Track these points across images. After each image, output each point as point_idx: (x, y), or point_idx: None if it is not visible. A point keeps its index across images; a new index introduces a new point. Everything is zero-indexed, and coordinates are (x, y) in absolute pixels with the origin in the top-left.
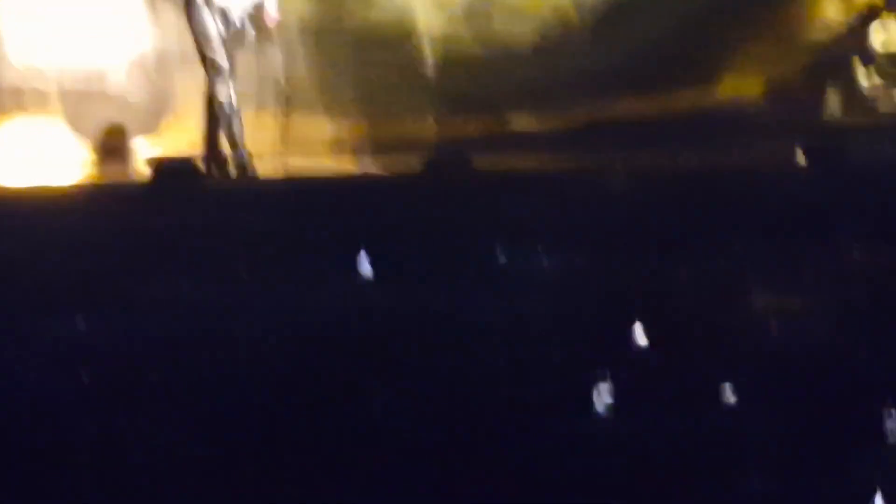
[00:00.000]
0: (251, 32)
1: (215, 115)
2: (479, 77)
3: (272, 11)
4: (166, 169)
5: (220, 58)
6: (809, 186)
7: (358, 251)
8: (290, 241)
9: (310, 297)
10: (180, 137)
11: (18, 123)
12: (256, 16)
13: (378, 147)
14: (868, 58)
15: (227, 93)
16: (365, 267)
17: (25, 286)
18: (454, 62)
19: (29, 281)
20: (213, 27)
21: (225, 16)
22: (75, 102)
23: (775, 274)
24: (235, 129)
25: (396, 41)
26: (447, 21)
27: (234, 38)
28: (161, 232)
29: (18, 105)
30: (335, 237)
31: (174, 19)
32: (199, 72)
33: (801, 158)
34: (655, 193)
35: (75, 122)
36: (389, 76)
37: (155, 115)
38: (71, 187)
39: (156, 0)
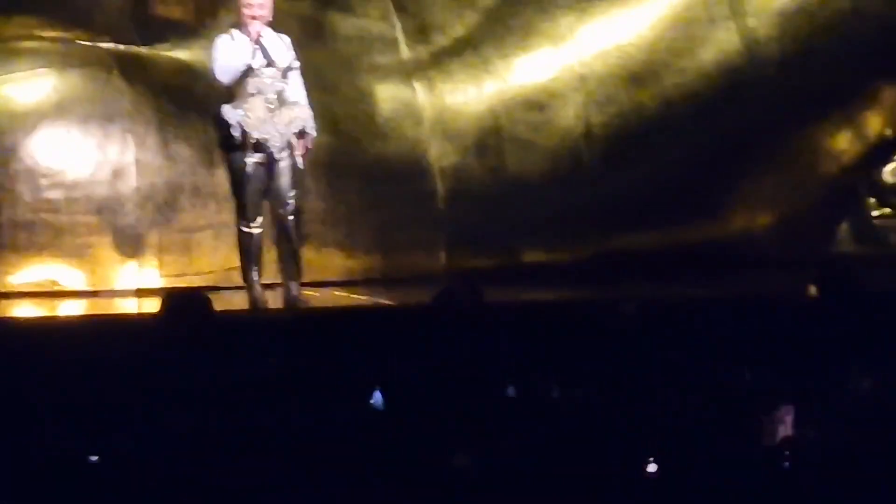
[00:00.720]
0: (286, 161)
1: (245, 251)
2: (489, 210)
3: (310, 142)
4: (176, 301)
5: (249, 199)
6: (820, 317)
7: (369, 383)
8: (302, 374)
9: (322, 430)
10: (189, 269)
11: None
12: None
13: (390, 280)
14: (878, 190)
15: (249, 229)
16: (377, 399)
17: (34, 416)
18: (465, 195)
19: (39, 410)
20: (249, 169)
21: (262, 147)
22: (87, 234)
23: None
24: (258, 264)
25: (408, 174)
26: (458, 154)
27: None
28: (171, 364)
29: (31, 240)
30: (347, 369)
31: (188, 153)
32: (212, 206)
33: (812, 290)
34: (666, 325)
35: (87, 254)
36: (401, 209)
37: (166, 248)
38: (81, 318)
39: (169, 134)
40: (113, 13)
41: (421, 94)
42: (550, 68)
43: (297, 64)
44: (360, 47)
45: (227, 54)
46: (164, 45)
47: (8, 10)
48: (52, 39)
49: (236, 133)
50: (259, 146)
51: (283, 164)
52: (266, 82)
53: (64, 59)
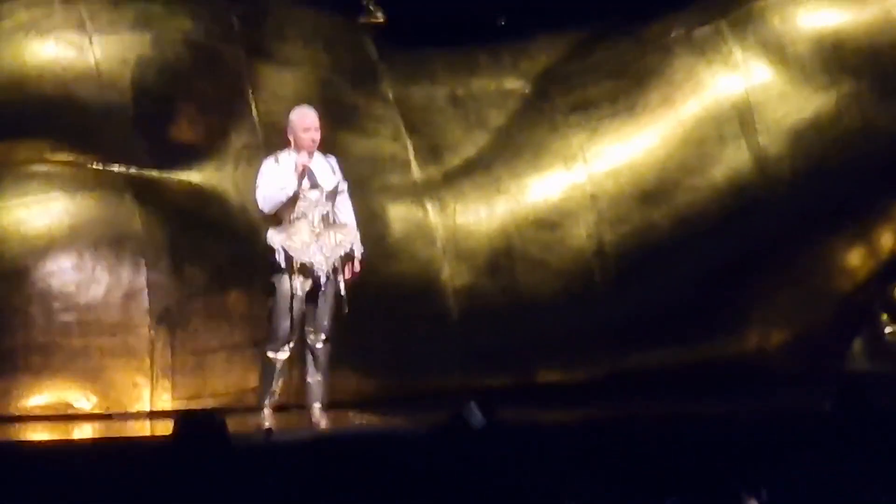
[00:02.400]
0: (331, 289)
1: (265, 375)
2: (503, 329)
3: (357, 264)
4: (189, 422)
5: (284, 328)
6: (835, 433)
7: None
8: (315, 497)
9: None
10: (203, 391)
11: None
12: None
13: (404, 400)
14: (892, 307)
15: (277, 354)
16: None
17: None
18: (478, 314)
19: None
20: (297, 293)
21: (307, 272)
22: (100, 357)
23: None
24: (278, 388)
25: (421, 294)
26: (471, 274)
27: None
28: (184, 488)
29: (44, 363)
30: (363, 493)
31: (200, 275)
32: (225, 327)
33: (827, 406)
34: (681, 442)
35: (100, 376)
36: (415, 329)
37: (179, 370)
38: (95, 441)
39: (181, 257)
40: (124, 136)
41: (433, 214)
42: (562, 187)
43: (344, 185)
44: (372, 167)
45: (271, 182)
46: (176, 168)
47: (19, 133)
48: (64, 163)
49: (280, 257)
50: (304, 270)
51: (327, 290)
52: (311, 205)
53: (76, 182)
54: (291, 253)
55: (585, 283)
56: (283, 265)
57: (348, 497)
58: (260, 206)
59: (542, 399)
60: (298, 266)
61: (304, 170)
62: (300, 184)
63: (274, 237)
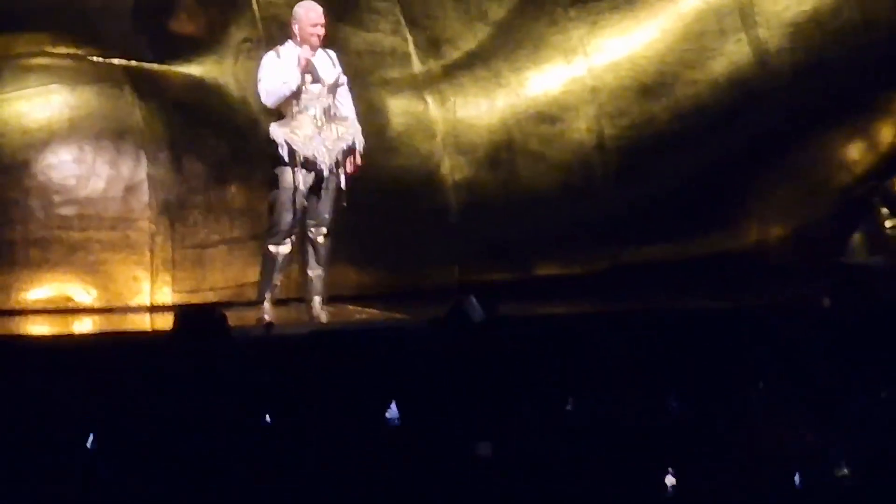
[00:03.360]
0: (333, 182)
1: (265, 268)
2: (502, 223)
3: (359, 158)
4: (189, 316)
5: (286, 220)
6: (834, 328)
7: (385, 398)
8: (315, 390)
9: (337, 445)
10: (203, 285)
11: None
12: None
13: (404, 294)
14: (892, 200)
15: (278, 248)
16: (393, 413)
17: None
18: (478, 208)
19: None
20: (292, 191)
21: (310, 165)
22: (100, 251)
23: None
24: (278, 282)
25: (420, 188)
26: (471, 167)
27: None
28: (184, 381)
29: (44, 256)
30: (362, 386)
31: (200, 169)
32: (225, 221)
33: (826, 300)
34: (679, 336)
35: (100, 270)
36: (414, 223)
37: (179, 264)
38: (95, 335)
39: (181, 150)
40: (124, 29)
41: (433, 108)
42: (562, 81)
43: (344, 79)
44: (372, 61)
45: (273, 76)
46: (177, 61)
47: (19, 26)
48: (64, 55)
49: (283, 151)
50: (307, 164)
51: (329, 183)
52: (313, 99)
53: (76, 76)
54: (294, 146)
55: (585, 177)
56: (286, 158)
57: (348, 390)
58: (262, 100)
59: (541, 293)
60: (301, 159)
61: (307, 64)
62: (303, 78)
63: (277, 131)
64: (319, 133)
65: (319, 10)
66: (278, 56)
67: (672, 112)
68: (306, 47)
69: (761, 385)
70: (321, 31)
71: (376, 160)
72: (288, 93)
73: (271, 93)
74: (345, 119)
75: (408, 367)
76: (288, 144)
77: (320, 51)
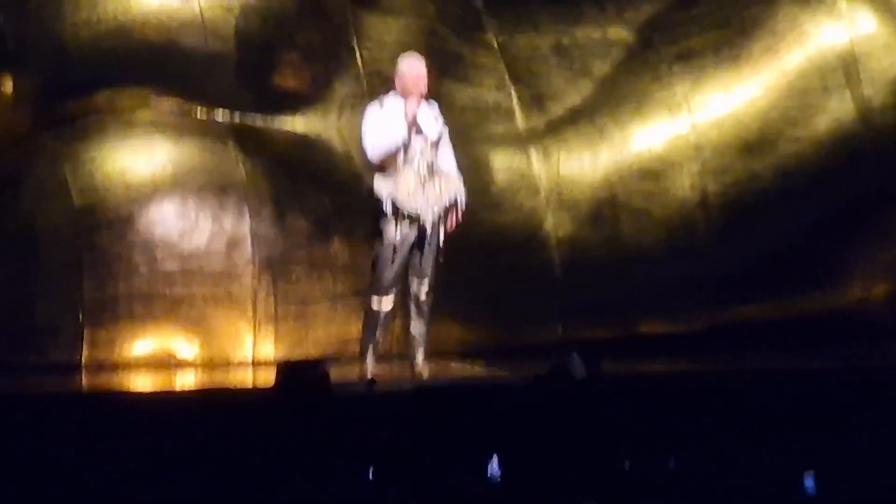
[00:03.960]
0: (436, 238)
1: (368, 324)
2: (606, 280)
3: (460, 213)
4: (292, 372)
5: (388, 276)
6: None
7: (486, 456)
8: (417, 447)
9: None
10: (305, 340)
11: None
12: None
13: (506, 351)
14: None
15: (382, 304)
16: (495, 471)
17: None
18: (581, 265)
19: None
20: (398, 243)
21: (413, 220)
22: (203, 305)
23: None
24: (381, 337)
25: (524, 244)
26: (574, 224)
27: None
28: (286, 437)
29: (148, 311)
30: (464, 443)
31: (303, 225)
32: (328, 277)
33: None
34: (783, 395)
35: (202, 325)
36: (517, 279)
37: (282, 319)
38: (197, 390)
39: (284, 206)
40: (228, 84)
41: (536, 164)
42: (665, 137)
43: (445, 130)
44: (476, 117)
45: (378, 129)
46: (280, 116)
47: (124, 81)
48: (168, 111)
49: (388, 207)
50: (410, 219)
51: (432, 238)
52: (416, 154)
53: (180, 130)
54: (398, 202)
55: (688, 234)
56: (389, 214)
57: (450, 447)
58: (368, 154)
59: (644, 351)
60: (405, 215)
61: (414, 119)
62: (410, 133)
63: (381, 185)
64: (423, 188)
65: (422, 63)
66: (381, 107)
67: (775, 169)
68: (413, 100)
69: (863, 445)
70: (424, 84)
71: (480, 216)
72: (395, 148)
73: (377, 147)
74: (447, 174)
75: (509, 423)
76: (392, 200)
77: (423, 104)
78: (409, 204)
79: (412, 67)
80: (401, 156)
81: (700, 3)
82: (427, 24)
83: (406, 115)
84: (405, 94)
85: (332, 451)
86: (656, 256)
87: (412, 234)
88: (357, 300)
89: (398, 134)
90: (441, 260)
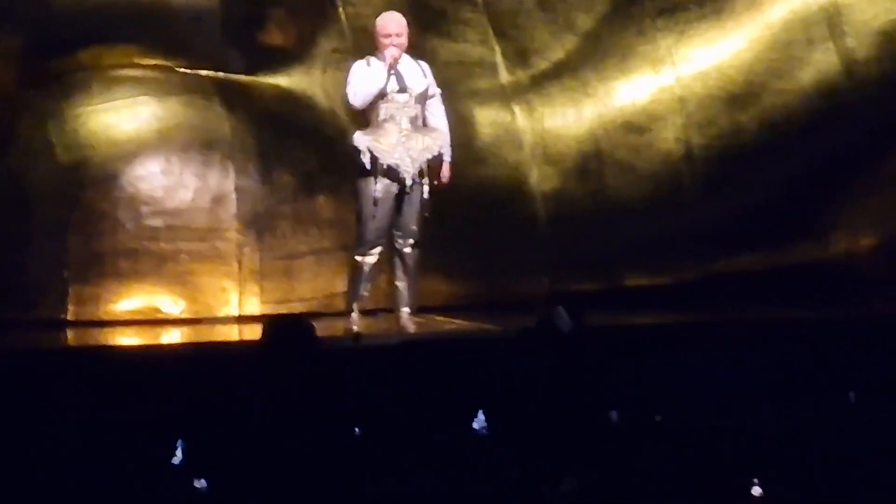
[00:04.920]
0: (418, 193)
1: (353, 279)
2: (591, 233)
3: (447, 169)
4: (277, 327)
5: (370, 230)
6: None
7: (472, 408)
8: (403, 401)
9: (426, 454)
10: (291, 295)
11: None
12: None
13: (492, 305)
14: None
15: (366, 259)
16: (481, 422)
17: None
18: (567, 219)
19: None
20: (378, 196)
21: (393, 174)
22: (188, 261)
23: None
24: (365, 292)
25: (509, 199)
26: (559, 178)
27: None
28: (272, 392)
29: (134, 268)
30: (450, 397)
31: (288, 180)
32: (313, 232)
33: None
34: (770, 346)
35: (188, 281)
36: (502, 234)
37: (267, 274)
38: (183, 345)
39: (269, 161)
40: (213, 40)
41: (521, 118)
42: (650, 91)
43: (436, 91)
44: (460, 72)
45: (361, 79)
46: (265, 72)
47: (108, 38)
48: (153, 67)
49: (365, 159)
50: (390, 173)
51: (414, 193)
52: (399, 108)
53: (164, 87)
54: (377, 154)
55: (673, 187)
56: (368, 167)
57: (436, 401)
58: (350, 101)
59: (630, 303)
60: (384, 168)
61: (393, 62)
62: (389, 79)
63: (360, 139)
64: (405, 142)
65: (396, 19)
66: (368, 65)
67: (760, 122)
68: (392, 49)
69: (851, 396)
70: (397, 40)
71: (464, 171)
72: (375, 91)
73: (358, 93)
74: (433, 129)
75: (496, 377)
76: (370, 152)
77: (410, 61)
78: (388, 157)
79: (382, 24)
80: (382, 109)
81: None
82: None
83: (385, 60)
84: (385, 44)
85: (318, 406)
86: (641, 209)
87: (393, 188)
88: (343, 255)
89: (378, 79)
90: (427, 215)
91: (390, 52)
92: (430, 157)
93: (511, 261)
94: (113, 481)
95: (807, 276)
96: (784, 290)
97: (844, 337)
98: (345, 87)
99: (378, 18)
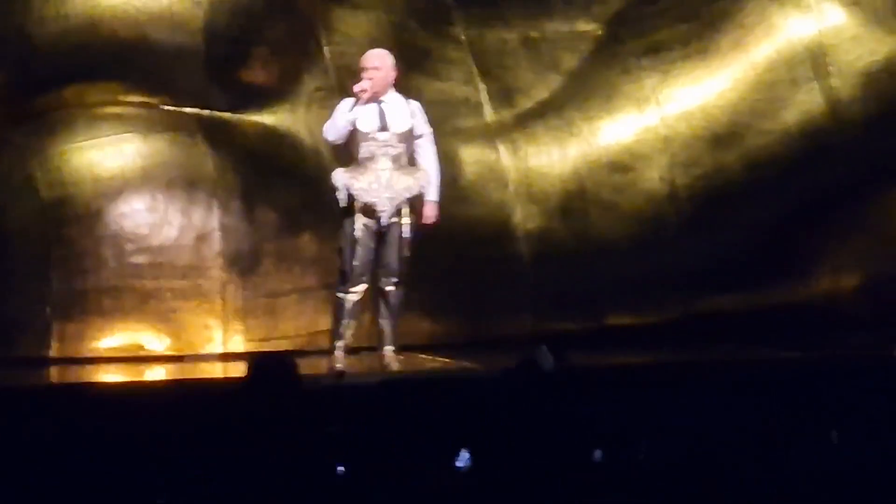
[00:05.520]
0: (397, 232)
1: (337, 317)
2: (575, 272)
3: (431, 209)
4: (261, 364)
5: (351, 268)
6: None
7: (455, 447)
8: (386, 439)
9: (409, 493)
10: (275, 333)
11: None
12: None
13: (475, 344)
14: None
15: (349, 296)
16: (464, 460)
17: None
18: (551, 258)
19: (126, 476)
20: (357, 234)
21: (371, 212)
22: (172, 299)
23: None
24: (349, 329)
25: (493, 237)
26: (543, 217)
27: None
28: (255, 429)
29: (117, 305)
30: (433, 435)
31: (272, 218)
32: (296, 270)
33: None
34: (751, 386)
35: (172, 318)
36: (486, 272)
37: (251, 312)
38: (167, 382)
39: (253, 199)
40: (197, 78)
41: (505, 157)
42: (634, 130)
43: (426, 130)
44: (445, 111)
45: (338, 114)
46: (249, 110)
47: (92, 75)
48: (137, 104)
49: (341, 196)
50: (367, 211)
51: (394, 232)
52: (379, 146)
53: (148, 124)
54: (354, 192)
55: (658, 227)
56: (343, 204)
57: (419, 439)
58: (323, 134)
59: (613, 343)
60: (361, 206)
61: (362, 93)
62: (361, 112)
63: (339, 176)
64: (386, 181)
65: (374, 53)
66: (354, 102)
67: (744, 162)
68: (363, 81)
69: (833, 435)
70: (373, 73)
71: (448, 209)
72: (344, 124)
73: (331, 127)
74: (417, 169)
75: (479, 415)
76: (348, 190)
77: (399, 99)
78: (366, 196)
79: (361, 60)
80: (363, 147)
81: None
82: (396, 18)
83: (357, 94)
84: (361, 77)
85: (301, 444)
86: (626, 249)
87: (371, 226)
88: (326, 293)
89: (350, 115)
90: (407, 253)
91: (360, 85)
92: (409, 196)
93: (494, 299)
94: None
95: (790, 315)
96: (767, 330)
97: (827, 376)
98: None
99: (366, 55)
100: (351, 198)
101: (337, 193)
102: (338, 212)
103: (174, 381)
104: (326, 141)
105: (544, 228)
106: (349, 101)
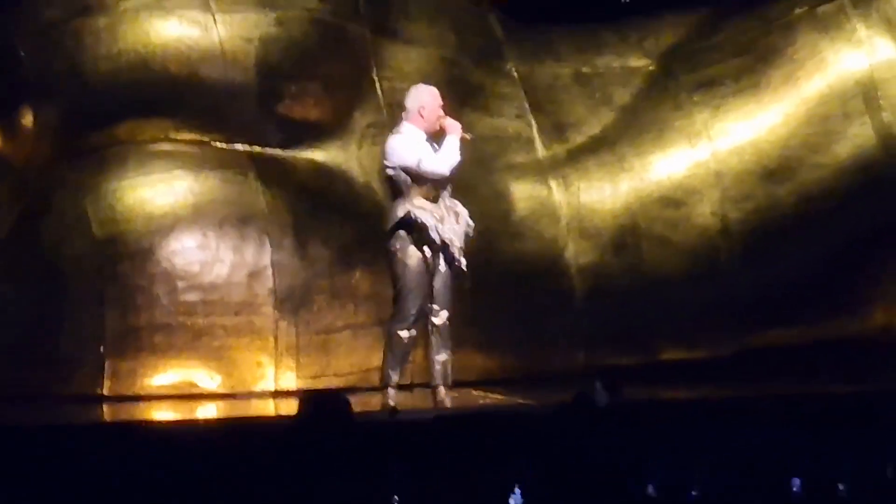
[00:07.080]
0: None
1: (391, 353)
2: (628, 307)
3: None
4: (314, 402)
5: (412, 304)
6: None
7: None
8: (440, 476)
9: None
10: (327, 370)
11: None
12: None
13: (529, 379)
14: None
15: (407, 333)
16: (518, 501)
17: None
18: (603, 293)
19: None
20: (420, 275)
21: (438, 249)
22: (224, 336)
23: None
24: (402, 365)
25: (545, 273)
26: (596, 252)
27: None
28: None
29: (170, 342)
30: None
31: (325, 255)
32: (349, 307)
33: None
34: (806, 421)
35: (224, 356)
36: (539, 308)
37: (303, 349)
38: (219, 420)
39: (305, 235)
40: (249, 115)
41: (557, 193)
42: (686, 165)
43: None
44: (497, 147)
45: (447, 149)
46: (301, 146)
47: (144, 112)
48: (189, 142)
49: (434, 234)
50: (434, 247)
51: (456, 266)
52: (443, 182)
53: (200, 161)
54: (430, 227)
55: (710, 261)
56: (437, 241)
57: (472, 476)
58: (438, 171)
59: (667, 378)
60: (429, 242)
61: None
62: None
63: (422, 214)
64: (447, 216)
65: (435, 91)
66: (402, 134)
67: (796, 196)
68: (458, 125)
69: (890, 470)
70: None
71: (501, 245)
72: (458, 157)
73: (443, 162)
74: (455, 202)
75: (533, 452)
76: (419, 225)
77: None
78: (444, 232)
79: (435, 97)
80: (429, 184)
81: (720, 32)
82: (448, 53)
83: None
84: (428, 123)
85: (354, 482)
86: (678, 283)
87: (436, 262)
88: (379, 329)
89: (456, 150)
90: (468, 286)
91: (460, 129)
92: (467, 229)
93: (547, 335)
94: None
95: (844, 349)
96: (821, 364)
97: (882, 410)
98: (390, 161)
99: (424, 91)
100: (419, 231)
101: (430, 231)
102: (394, 247)
103: (226, 419)
104: (437, 174)
105: (597, 263)
106: (403, 138)
